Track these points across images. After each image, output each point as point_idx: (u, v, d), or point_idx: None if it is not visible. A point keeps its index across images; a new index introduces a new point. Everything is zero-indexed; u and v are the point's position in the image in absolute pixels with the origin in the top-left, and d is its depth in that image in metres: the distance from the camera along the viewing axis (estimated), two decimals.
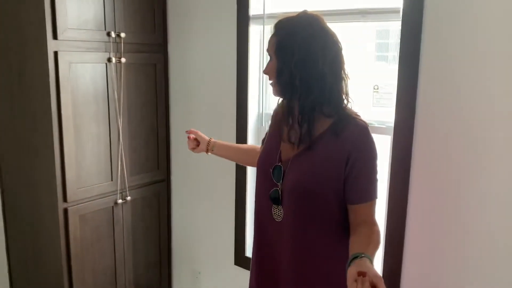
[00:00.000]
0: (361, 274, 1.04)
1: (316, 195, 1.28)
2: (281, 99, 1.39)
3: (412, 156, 1.72)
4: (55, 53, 1.97)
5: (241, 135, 2.24)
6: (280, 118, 1.41)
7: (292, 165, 1.31)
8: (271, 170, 1.35)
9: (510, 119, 1.50)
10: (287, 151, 1.35)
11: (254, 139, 2.26)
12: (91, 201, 2.22)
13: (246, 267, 2.34)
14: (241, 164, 1.99)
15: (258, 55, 2.22)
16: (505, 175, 1.54)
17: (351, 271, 1.07)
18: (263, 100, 2.24)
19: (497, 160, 1.55)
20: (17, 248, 2.45)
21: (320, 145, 1.27)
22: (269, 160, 1.37)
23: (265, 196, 1.37)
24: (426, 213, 1.72)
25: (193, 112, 2.46)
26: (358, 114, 1.30)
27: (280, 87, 1.28)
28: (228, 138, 2.27)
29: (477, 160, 1.59)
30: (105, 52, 2.16)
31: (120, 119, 2.27)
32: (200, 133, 1.75)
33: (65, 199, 2.11)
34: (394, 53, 1.87)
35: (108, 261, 2.36)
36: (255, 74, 2.22)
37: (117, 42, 2.20)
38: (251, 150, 1.75)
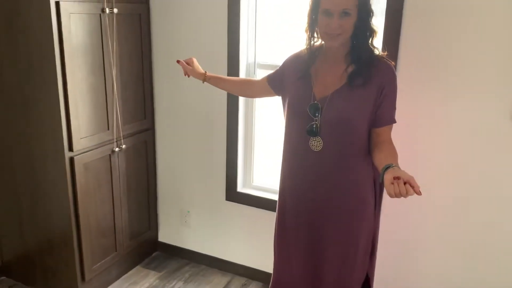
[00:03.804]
0: (396, 178, 1.35)
1: (354, 123, 1.58)
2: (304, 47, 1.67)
3: None
4: (57, 3, 1.98)
5: None
6: (306, 64, 1.66)
7: (332, 100, 1.58)
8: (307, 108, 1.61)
9: None
10: (321, 90, 1.61)
11: None
12: (92, 150, 2.31)
13: (238, 201, 2.62)
14: (235, 94, 2.30)
15: (248, 2, 2.35)
16: None
17: (388, 177, 1.37)
18: (255, 48, 2.43)
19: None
20: (8, 202, 2.46)
21: (359, 80, 1.56)
22: (305, 100, 1.63)
23: (300, 131, 1.64)
24: None
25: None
26: (384, 55, 1.60)
27: (354, 39, 1.55)
28: (219, 90, 2.42)
29: None
30: (99, 2, 2.19)
31: (114, 70, 2.33)
32: (195, 62, 1.97)
33: (70, 148, 2.18)
34: None
35: (108, 207, 2.49)
36: (245, 21, 2.36)
37: None
38: (248, 81, 2.10)
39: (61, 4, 1.98)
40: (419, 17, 1.95)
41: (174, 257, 2.93)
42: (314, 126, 1.60)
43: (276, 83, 1.83)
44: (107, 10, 2.22)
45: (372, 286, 1.87)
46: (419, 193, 1.31)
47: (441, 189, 2.09)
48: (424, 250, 2.21)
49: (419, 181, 1.36)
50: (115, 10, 2.26)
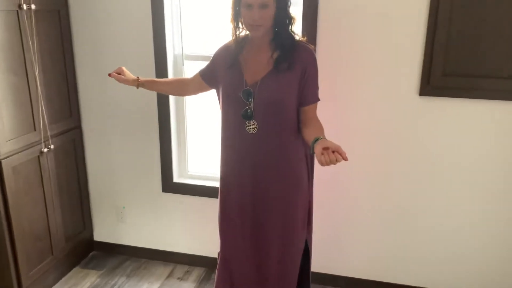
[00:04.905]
0: (325, 148, 1.51)
1: (284, 104, 1.71)
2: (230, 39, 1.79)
3: None
4: None
5: (162, 77, 2.44)
6: (234, 53, 1.77)
7: (263, 85, 1.70)
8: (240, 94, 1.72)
9: None
10: (251, 76, 1.73)
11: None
12: (20, 152, 2.23)
13: (175, 192, 2.67)
14: (170, 94, 2.40)
15: None
16: None
17: (317, 148, 1.53)
18: (182, 40, 2.48)
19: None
20: None
21: (284, 65, 1.69)
22: (237, 87, 1.73)
23: (236, 116, 1.74)
24: None
25: (102, 58, 2.55)
26: (304, 40, 1.76)
27: (275, 27, 1.68)
28: None
29: None
30: None
31: (36, 68, 2.26)
32: (125, 70, 1.99)
33: None
34: None
35: (40, 210, 2.41)
36: (169, 12, 2.40)
37: None
38: (181, 80, 2.15)
39: None
40: (333, 3, 2.15)
41: (112, 254, 2.91)
42: (249, 110, 1.72)
43: (209, 76, 1.91)
44: (25, 7, 2.14)
45: (311, 253, 2.04)
46: (346, 159, 1.48)
47: (362, 161, 2.33)
48: (354, 214, 2.44)
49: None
50: (33, 7, 2.19)
